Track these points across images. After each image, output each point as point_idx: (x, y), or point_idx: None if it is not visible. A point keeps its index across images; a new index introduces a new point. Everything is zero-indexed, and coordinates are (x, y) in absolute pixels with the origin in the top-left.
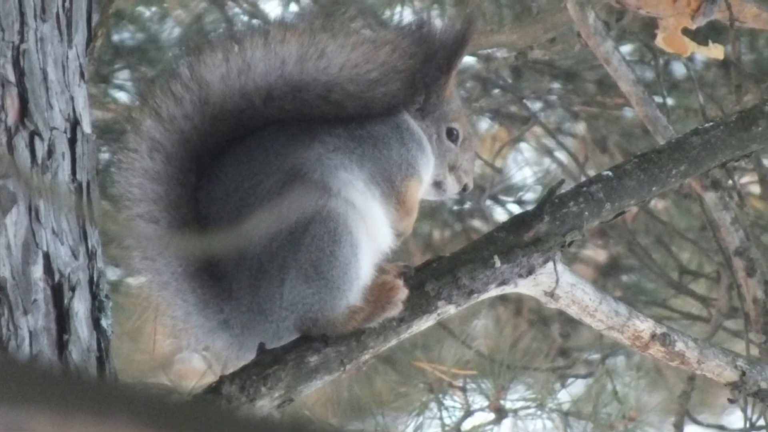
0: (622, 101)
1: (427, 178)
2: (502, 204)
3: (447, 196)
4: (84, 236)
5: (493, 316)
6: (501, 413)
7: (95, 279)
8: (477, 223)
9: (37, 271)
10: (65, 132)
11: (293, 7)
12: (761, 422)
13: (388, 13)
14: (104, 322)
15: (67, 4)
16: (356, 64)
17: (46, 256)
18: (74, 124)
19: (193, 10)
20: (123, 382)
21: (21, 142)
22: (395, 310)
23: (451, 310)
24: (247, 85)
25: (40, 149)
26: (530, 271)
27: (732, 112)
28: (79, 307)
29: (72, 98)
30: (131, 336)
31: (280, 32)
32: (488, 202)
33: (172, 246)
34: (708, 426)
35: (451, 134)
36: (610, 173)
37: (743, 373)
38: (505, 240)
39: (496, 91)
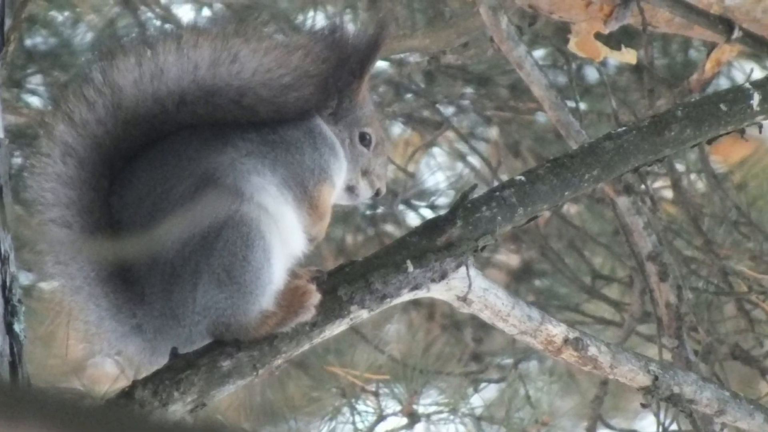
0: (535, 106)
1: (339, 182)
2: (415, 209)
3: (360, 201)
4: None
5: (405, 320)
6: (414, 418)
7: (8, 283)
8: (390, 228)
9: None
10: None
11: (206, 12)
12: (674, 427)
13: (300, 17)
14: (17, 327)
15: None
16: (269, 69)
17: None
18: None
19: (105, 15)
20: (36, 387)
21: None
22: (308, 314)
23: (364, 314)
24: (160, 89)
25: None
26: (443, 276)
27: (645, 117)
28: None
29: None
30: (44, 340)
31: (193, 37)
32: (401, 207)
33: (85, 250)
34: (621, 431)
35: (364, 139)
36: (522, 178)
37: (656, 378)
38: (418, 245)
39: (409, 95)
